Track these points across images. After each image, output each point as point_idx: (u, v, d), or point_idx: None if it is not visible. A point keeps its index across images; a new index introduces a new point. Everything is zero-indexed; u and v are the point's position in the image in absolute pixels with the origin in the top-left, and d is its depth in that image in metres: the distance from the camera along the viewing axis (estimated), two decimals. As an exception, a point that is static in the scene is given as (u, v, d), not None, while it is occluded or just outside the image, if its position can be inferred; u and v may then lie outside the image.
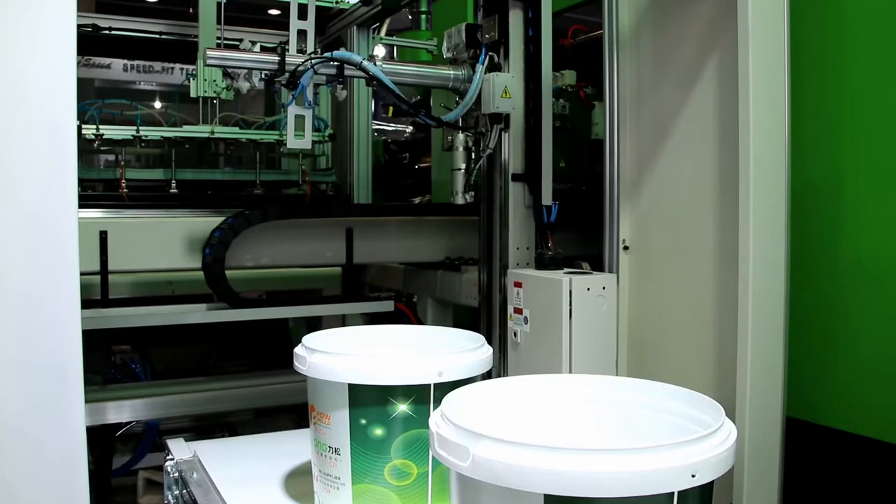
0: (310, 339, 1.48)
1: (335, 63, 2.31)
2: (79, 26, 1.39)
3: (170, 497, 1.75)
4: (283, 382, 2.85)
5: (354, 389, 1.35)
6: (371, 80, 2.37)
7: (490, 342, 2.05)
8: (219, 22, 3.68)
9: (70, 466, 1.42)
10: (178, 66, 4.59)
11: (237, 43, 3.66)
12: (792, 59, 2.02)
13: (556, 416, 1.25)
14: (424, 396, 1.35)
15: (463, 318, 3.47)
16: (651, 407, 1.19)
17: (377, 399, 1.35)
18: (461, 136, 2.61)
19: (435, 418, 1.04)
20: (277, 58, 2.26)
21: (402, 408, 1.35)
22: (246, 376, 2.95)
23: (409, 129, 5.20)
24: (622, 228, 2.44)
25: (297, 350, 1.44)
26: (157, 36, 3.99)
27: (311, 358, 1.39)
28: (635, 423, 1.19)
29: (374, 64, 2.37)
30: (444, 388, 1.26)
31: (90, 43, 3.71)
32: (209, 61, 2.26)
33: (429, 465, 1.37)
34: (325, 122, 4.03)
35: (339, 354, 1.37)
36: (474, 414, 1.14)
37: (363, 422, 1.36)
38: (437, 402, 1.27)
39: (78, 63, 1.42)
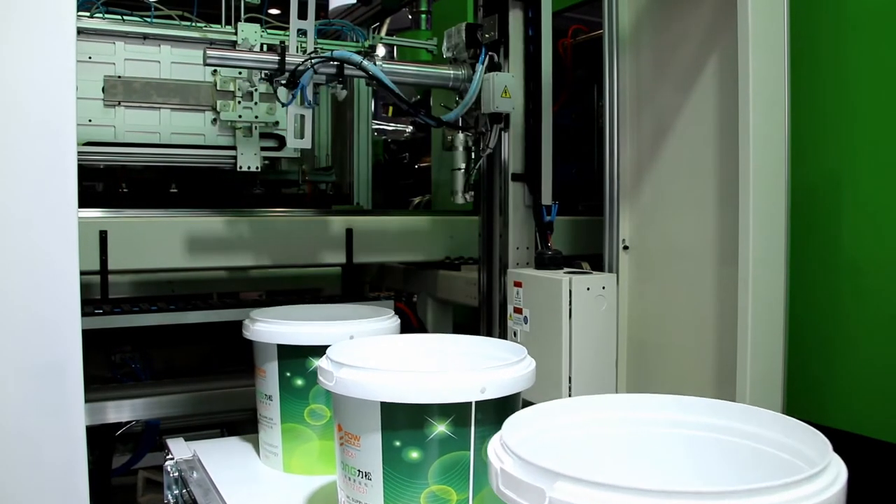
0: (335, 351, 1.38)
1: (335, 63, 2.31)
2: None
3: (170, 497, 1.75)
4: (283, 382, 2.84)
5: (388, 408, 1.23)
6: (371, 79, 2.37)
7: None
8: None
9: (70, 466, 1.42)
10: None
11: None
12: (792, 60, 2.02)
13: (641, 447, 1.08)
14: (465, 416, 1.24)
15: (463, 317, 3.47)
16: (749, 436, 1.03)
17: (413, 419, 1.23)
18: (461, 135, 2.60)
19: (495, 449, 0.91)
20: (277, 57, 2.26)
21: (441, 428, 1.24)
22: (246, 376, 2.94)
23: (409, 128, 5.20)
24: (622, 228, 2.44)
25: (322, 364, 1.34)
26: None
27: (338, 373, 1.27)
28: (733, 455, 1.03)
29: (374, 63, 2.37)
30: (486, 407, 1.19)
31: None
32: (209, 61, 2.26)
33: (469, 490, 1.27)
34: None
35: (371, 369, 1.25)
36: (539, 443, 1.00)
37: (397, 444, 1.25)
38: (479, 423, 1.21)
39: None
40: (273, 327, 1.71)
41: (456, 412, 1.23)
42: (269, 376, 1.75)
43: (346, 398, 1.28)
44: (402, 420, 1.23)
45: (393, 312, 1.82)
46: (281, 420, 1.74)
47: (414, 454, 1.24)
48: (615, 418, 1.10)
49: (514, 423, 0.98)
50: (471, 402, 1.23)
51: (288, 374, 1.72)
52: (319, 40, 3.30)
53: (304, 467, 1.74)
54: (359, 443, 1.27)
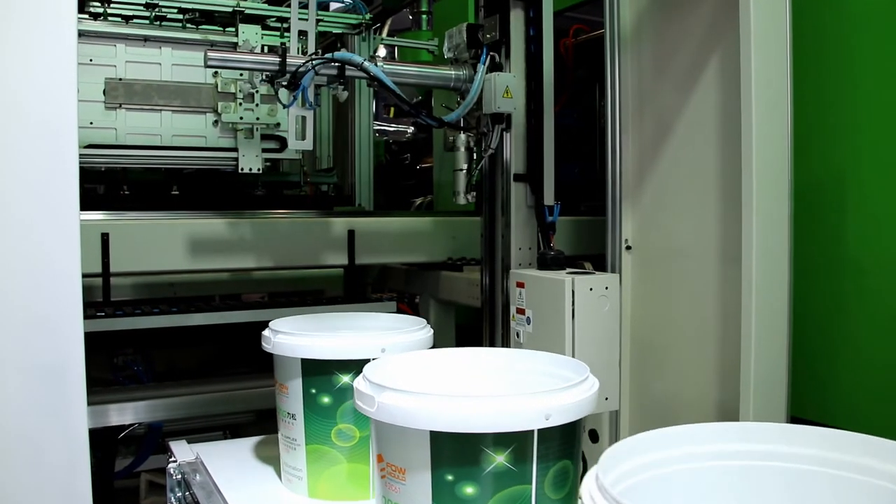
0: (373, 371, 1.24)
1: (336, 64, 2.31)
2: None
3: (172, 499, 1.75)
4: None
5: (438, 438, 1.10)
6: (372, 80, 2.36)
7: (492, 342, 2.02)
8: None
9: (72, 469, 1.42)
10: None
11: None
12: (795, 58, 2.01)
13: (772, 487, 0.92)
14: (526, 446, 1.10)
15: (465, 318, 3.47)
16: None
17: (467, 450, 1.10)
18: (463, 136, 2.60)
19: (591, 495, 0.77)
20: (278, 59, 2.26)
21: (499, 460, 1.10)
22: (248, 378, 2.95)
23: (411, 129, 5.20)
24: (624, 228, 2.43)
25: (359, 385, 1.21)
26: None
27: (380, 397, 1.13)
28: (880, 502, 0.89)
29: (376, 64, 2.37)
30: (550, 435, 1.09)
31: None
32: (210, 62, 2.26)
33: None
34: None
35: (419, 394, 1.12)
36: (637, 482, 0.87)
37: (449, 478, 1.11)
38: (541, 454, 1.11)
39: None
40: (297, 340, 1.55)
41: (516, 442, 1.09)
42: (293, 393, 1.59)
43: (389, 426, 1.13)
44: (454, 452, 1.10)
45: (425, 322, 1.68)
46: (305, 441, 1.60)
47: (468, 490, 1.10)
48: (729, 451, 0.95)
49: (610, 460, 0.81)
50: (533, 431, 1.09)
51: (313, 391, 1.56)
52: (320, 12, 3.31)
53: (331, 492, 1.61)
54: (404, 476, 1.14)
